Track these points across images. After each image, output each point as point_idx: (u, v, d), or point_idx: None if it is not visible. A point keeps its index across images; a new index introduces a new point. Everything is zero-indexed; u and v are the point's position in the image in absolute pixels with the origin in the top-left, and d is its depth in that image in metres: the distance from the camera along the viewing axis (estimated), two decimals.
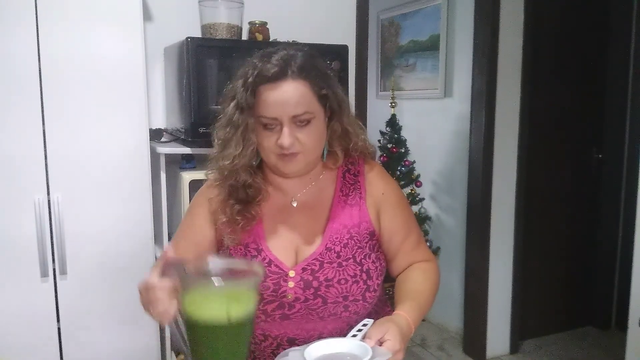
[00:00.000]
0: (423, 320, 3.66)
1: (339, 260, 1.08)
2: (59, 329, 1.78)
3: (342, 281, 1.07)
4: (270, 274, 1.07)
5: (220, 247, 1.15)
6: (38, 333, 1.75)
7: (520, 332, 3.15)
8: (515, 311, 3.10)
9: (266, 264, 1.08)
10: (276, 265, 1.08)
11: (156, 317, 0.88)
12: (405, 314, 1.04)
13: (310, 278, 1.07)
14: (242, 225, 1.09)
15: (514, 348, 3.13)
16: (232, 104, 1.06)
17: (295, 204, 1.14)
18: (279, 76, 1.02)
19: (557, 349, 3.15)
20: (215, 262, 0.89)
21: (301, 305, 1.06)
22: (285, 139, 1.02)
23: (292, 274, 1.07)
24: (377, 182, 1.18)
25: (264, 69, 1.03)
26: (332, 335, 1.07)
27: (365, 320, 1.01)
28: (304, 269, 1.08)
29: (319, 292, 1.06)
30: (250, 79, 1.04)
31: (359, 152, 1.18)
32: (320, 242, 1.10)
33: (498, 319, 3.05)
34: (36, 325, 1.75)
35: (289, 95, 1.02)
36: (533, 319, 3.20)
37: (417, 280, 1.16)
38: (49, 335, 1.77)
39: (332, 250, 1.09)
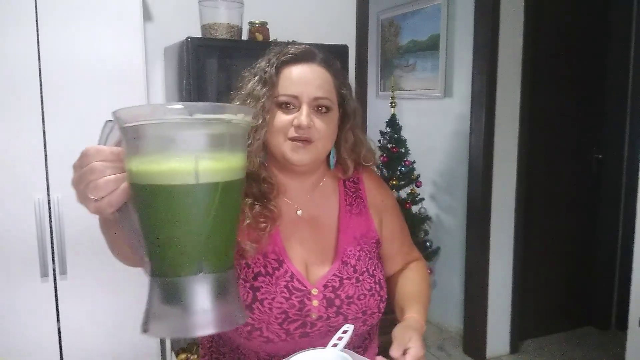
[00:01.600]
0: None
1: (356, 275, 1.06)
2: (59, 329, 1.78)
3: (362, 297, 1.05)
4: (294, 291, 1.01)
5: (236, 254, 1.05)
6: (38, 333, 1.75)
7: (520, 332, 3.15)
8: (515, 311, 3.10)
9: (288, 279, 1.02)
10: (298, 281, 1.02)
11: (93, 198, 0.62)
12: (418, 316, 1.07)
13: (333, 296, 1.03)
14: (267, 228, 1.02)
15: (514, 348, 3.13)
16: (254, 79, 1.04)
17: (300, 213, 1.10)
18: (306, 58, 1.03)
19: (557, 349, 3.15)
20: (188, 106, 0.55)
21: (323, 324, 1.03)
22: (304, 117, 0.99)
23: (314, 291, 1.03)
24: (376, 190, 1.19)
25: (290, 50, 1.03)
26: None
27: (346, 327, 1.00)
28: (325, 286, 1.04)
29: (340, 310, 1.03)
30: (273, 59, 1.03)
31: (369, 164, 1.17)
32: (334, 256, 1.07)
33: (498, 319, 3.05)
34: (36, 325, 1.75)
35: (314, 75, 1.02)
36: (533, 319, 3.20)
37: (416, 281, 1.18)
38: (49, 335, 1.77)
39: (349, 265, 1.07)
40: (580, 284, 3.35)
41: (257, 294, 1.00)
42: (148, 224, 0.58)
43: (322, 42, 2.15)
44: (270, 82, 1.02)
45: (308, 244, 1.08)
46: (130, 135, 0.56)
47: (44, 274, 1.73)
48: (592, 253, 3.34)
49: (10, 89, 1.66)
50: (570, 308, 3.35)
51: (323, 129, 1.02)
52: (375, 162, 1.19)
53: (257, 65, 1.06)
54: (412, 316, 1.07)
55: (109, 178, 0.61)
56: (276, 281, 1.01)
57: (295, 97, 1.01)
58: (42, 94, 1.69)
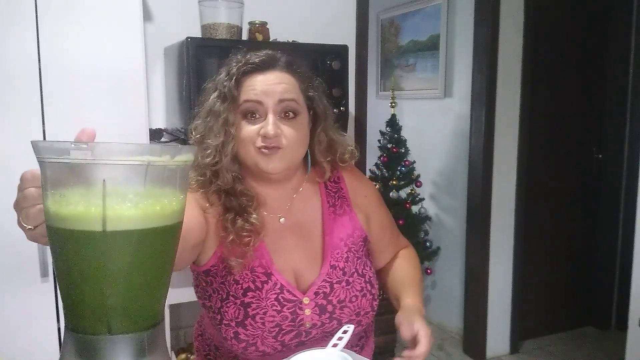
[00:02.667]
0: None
1: (346, 277, 1.05)
2: (59, 329, 1.78)
3: (353, 299, 1.05)
4: (285, 302, 1.00)
5: (218, 264, 1.03)
6: (38, 333, 1.75)
7: (520, 332, 3.15)
8: (515, 311, 3.09)
9: (278, 291, 1.01)
10: (289, 292, 1.01)
11: (27, 227, 0.60)
12: (416, 302, 1.08)
13: (324, 302, 1.03)
14: (252, 242, 0.99)
15: (514, 348, 3.13)
16: (213, 95, 1.01)
17: (282, 220, 1.07)
18: (267, 66, 0.99)
19: (557, 349, 3.15)
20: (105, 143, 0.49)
21: (317, 331, 1.03)
22: (270, 126, 0.95)
23: (306, 300, 1.02)
24: (358, 186, 1.16)
25: (250, 59, 0.99)
26: None
27: (346, 327, 1.00)
28: (316, 293, 1.03)
29: (334, 315, 1.03)
30: (234, 70, 0.99)
31: (346, 163, 1.13)
32: (322, 261, 1.06)
33: (498, 319, 3.05)
34: (36, 325, 1.75)
35: (277, 81, 0.98)
36: (533, 319, 3.20)
37: (408, 268, 1.20)
38: (49, 335, 1.77)
39: (337, 268, 1.06)
40: (580, 284, 3.35)
41: (249, 310, 0.99)
42: (58, 272, 0.52)
43: (322, 42, 2.16)
44: (230, 96, 0.98)
45: (295, 252, 1.06)
46: (42, 170, 0.51)
47: (44, 274, 1.73)
48: (592, 253, 3.34)
49: (10, 89, 1.66)
50: (570, 308, 3.35)
51: (292, 134, 0.98)
52: (354, 156, 1.14)
53: (218, 78, 1.02)
54: (408, 302, 1.08)
55: (41, 207, 0.54)
56: (266, 295, 1.00)
57: (259, 102, 0.97)
58: (42, 94, 1.69)
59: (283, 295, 1.01)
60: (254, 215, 1.00)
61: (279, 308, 1.00)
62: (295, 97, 1.00)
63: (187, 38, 1.89)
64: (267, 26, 2.22)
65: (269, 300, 1.00)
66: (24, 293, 1.73)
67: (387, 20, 3.76)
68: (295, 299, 1.01)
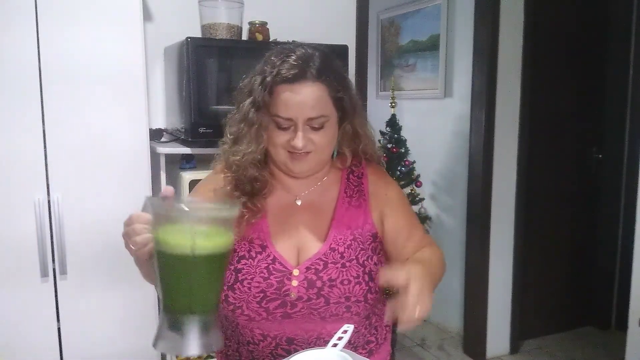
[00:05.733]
0: (423, 320, 3.67)
1: (343, 261, 1.08)
2: (59, 329, 1.79)
3: (345, 282, 1.06)
4: (274, 272, 1.06)
5: None
6: (38, 333, 1.75)
7: (520, 332, 3.15)
8: (515, 311, 3.10)
9: (270, 261, 1.07)
10: (280, 263, 1.07)
11: (134, 249, 0.85)
12: (423, 268, 0.96)
13: (314, 277, 1.06)
14: (247, 218, 1.08)
15: (514, 348, 3.13)
16: (248, 101, 1.06)
17: (299, 203, 1.15)
18: (298, 77, 1.03)
19: (557, 349, 3.15)
20: (192, 202, 0.83)
21: (304, 305, 1.06)
22: (299, 140, 1.03)
23: (296, 272, 1.07)
24: (379, 184, 1.18)
25: (282, 68, 1.03)
26: (330, 336, 1.06)
27: (345, 327, 1.00)
28: (307, 268, 1.07)
29: (322, 292, 1.06)
30: (268, 78, 1.04)
31: (368, 155, 1.18)
32: (324, 242, 1.10)
33: (498, 319, 3.05)
34: (36, 325, 1.75)
35: (306, 97, 1.03)
36: (533, 319, 3.20)
37: (425, 255, 1.11)
38: (49, 335, 1.77)
39: (336, 251, 1.09)
40: (580, 284, 3.35)
41: (239, 275, 1.07)
42: (160, 277, 0.80)
43: (322, 42, 2.15)
44: (263, 105, 1.04)
45: (301, 229, 1.12)
46: (155, 218, 0.79)
47: (44, 274, 1.73)
48: (592, 253, 3.34)
49: (10, 89, 1.66)
50: (570, 308, 3.35)
51: (320, 141, 1.06)
52: (377, 155, 1.21)
53: (253, 79, 1.07)
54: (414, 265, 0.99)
55: (144, 237, 0.83)
56: (257, 263, 1.07)
57: (290, 119, 1.03)
58: (42, 94, 1.69)
59: (274, 265, 1.07)
60: (258, 198, 1.10)
61: (266, 275, 1.06)
62: (324, 110, 1.05)
63: (187, 38, 1.89)
64: (267, 26, 2.22)
65: (259, 268, 1.07)
66: (24, 293, 1.73)
67: (387, 20, 3.76)
68: (285, 269, 1.07)
